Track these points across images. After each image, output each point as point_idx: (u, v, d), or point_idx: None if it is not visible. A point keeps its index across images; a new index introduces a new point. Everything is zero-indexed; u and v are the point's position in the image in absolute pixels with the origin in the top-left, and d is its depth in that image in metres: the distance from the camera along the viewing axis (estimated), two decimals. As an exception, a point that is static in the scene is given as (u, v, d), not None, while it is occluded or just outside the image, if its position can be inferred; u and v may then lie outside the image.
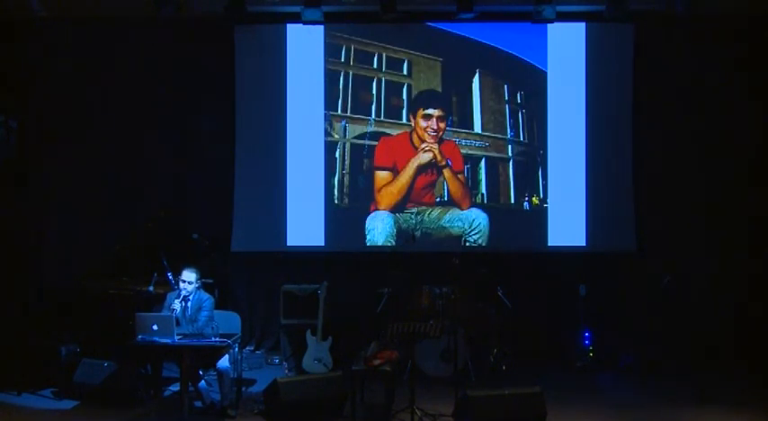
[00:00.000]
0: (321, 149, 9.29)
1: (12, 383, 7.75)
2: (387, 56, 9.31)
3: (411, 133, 9.29)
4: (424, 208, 9.26)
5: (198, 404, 7.20)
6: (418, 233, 9.07)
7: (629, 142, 9.17)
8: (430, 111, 9.25)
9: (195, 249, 8.40)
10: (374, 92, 9.31)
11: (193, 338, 6.98)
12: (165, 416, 7.13)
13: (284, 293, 8.86)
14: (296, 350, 8.68)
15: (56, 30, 9.21)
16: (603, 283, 9.04)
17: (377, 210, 9.28)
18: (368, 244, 9.25)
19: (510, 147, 9.28)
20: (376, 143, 9.29)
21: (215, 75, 9.34)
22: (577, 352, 8.72)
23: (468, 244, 9.20)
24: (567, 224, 9.21)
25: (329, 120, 9.31)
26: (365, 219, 9.28)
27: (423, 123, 9.25)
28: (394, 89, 9.31)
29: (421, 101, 9.28)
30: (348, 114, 9.31)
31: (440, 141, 9.23)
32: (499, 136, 9.28)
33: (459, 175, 9.27)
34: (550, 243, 9.22)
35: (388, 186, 9.28)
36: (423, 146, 9.23)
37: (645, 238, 9.14)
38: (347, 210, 9.32)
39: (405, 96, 9.31)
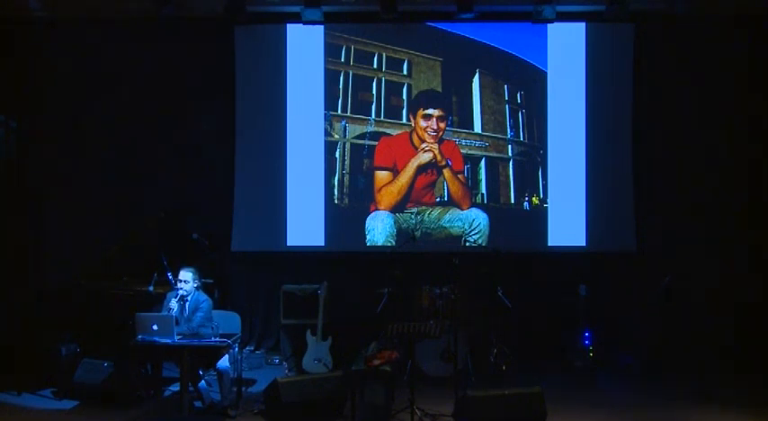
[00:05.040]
0: (321, 149, 9.30)
1: (12, 383, 7.75)
2: (387, 56, 9.30)
3: (411, 133, 9.29)
4: (424, 208, 9.26)
5: (198, 404, 7.20)
6: (418, 233, 9.06)
7: (629, 142, 9.17)
8: (430, 111, 9.25)
9: (195, 249, 8.40)
10: (374, 92, 9.31)
11: (193, 338, 6.99)
12: (165, 416, 7.14)
13: (284, 293, 8.86)
14: (296, 350, 8.67)
15: (56, 30, 9.22)
16: (603, 283, 9.03)
17: (377, 210, 9.28)
18: (368, 244, 9.25)
19: (510, 147, 9.28)
20: (376, 143, 9.29)
21: (215, 75, 9.34)
22: (577, 352, 8.71)
23: (468, 244, 9.20)
24: (567, 224, 9.21)
25: (329, 120, 9.31)
26: (365, 219, 9.28)
27: (423, 123, 9.25)
28: (394, 89, 9.31)
29: (421, 101, 9.28)
30: (348, 114, 9.31)
31: (440, 141, 9.23)
32: (499, 136, 9.28)
33: (460, 175, 9.27)
34: (550, 243, 9.22)
35: (389, 186, 9.28)
36: (423, 146, 9.24)
37: (645, 238, 9.14)
38: (347, 210, 9.32)
39: (405, 96, 9.31)
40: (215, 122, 9.39)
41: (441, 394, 7.42)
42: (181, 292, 7.22)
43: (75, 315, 8.09)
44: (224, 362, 7.15)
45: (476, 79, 9.27)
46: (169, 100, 9.33)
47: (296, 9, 8.81)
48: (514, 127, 9.26)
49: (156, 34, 9.21)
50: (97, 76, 9.26)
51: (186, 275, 7.24)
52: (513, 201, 9.27)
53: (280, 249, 9.27)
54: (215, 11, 8.79)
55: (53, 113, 9.31)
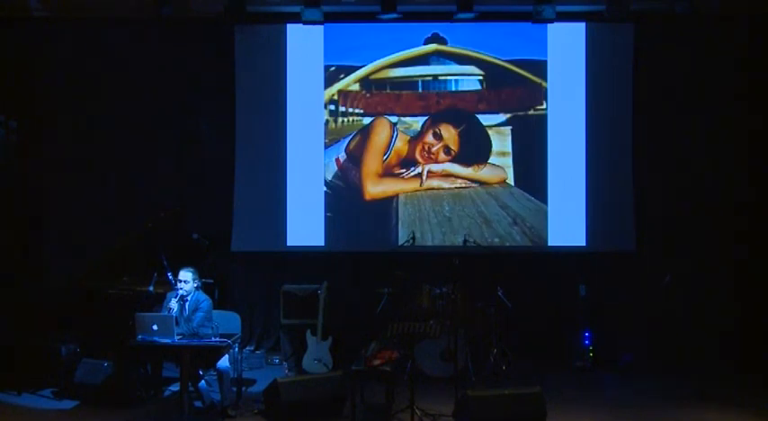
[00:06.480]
0: (321, 149, 9.29)
1: (12, 383, 7.75)
2: (387, 56, 9.32)
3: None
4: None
5: (198, 404, 7.20)
6: (418, 234, 9.06)
7: (629, 142, 9.17)
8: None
9: (195, 249, 8.39)
10: (374, 92, 9.33)
11: (193, 338, 6.99)
12: (165, 416, 7.14)
13: (284, 293, 8.86)
14: (296, 350, 8.67)
15: (56, 30, 9.22)
16: (603, 283, 9.04)
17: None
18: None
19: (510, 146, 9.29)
20: (376, 143, 9.31)
21: (215, 75, 9.34)
22: (577, 352, 8.71)
23: (468, 244, 9.17)
24: (567, 224, 9.21)
25: (329, 120, 9.30)
26: (365, 219, 9.27)
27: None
28: (394, 89, 9.32)
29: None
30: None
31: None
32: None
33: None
34: (550, 243, 9.21)
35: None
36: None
37: (645, 238, 9.14)
38: (347, 209, 9.31)
39: (405, 96, 9.31)
40: (215, 122, 9.40)
41: (441, 394, 7.42)
42: (181, 292, 7.21)
43: (75, 315, 8.09)
44: (224, 362, 7.15)
45: (476, 79, 9.28)
46: (169, 99, 9.34)
47: (296, 9, 8.80)
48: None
49: (156, 34, 9.21)
50: (97, 75, 9.26)
51: (186, 275, 7.23)
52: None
53: (280, 249, 9.27)
54: (215, 11, 8.78)
55: (53, 113, 9.31)
